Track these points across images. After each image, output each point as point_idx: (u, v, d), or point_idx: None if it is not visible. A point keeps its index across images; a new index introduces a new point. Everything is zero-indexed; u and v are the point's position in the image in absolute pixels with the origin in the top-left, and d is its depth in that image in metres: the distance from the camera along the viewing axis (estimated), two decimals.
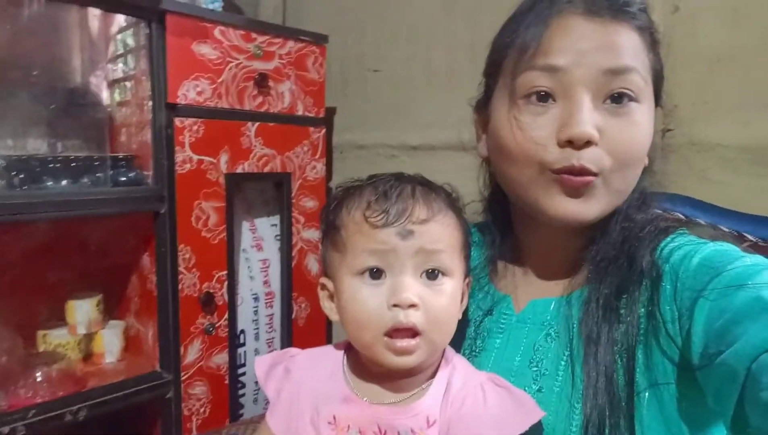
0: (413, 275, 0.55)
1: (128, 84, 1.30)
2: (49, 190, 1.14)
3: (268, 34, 1.41)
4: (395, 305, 0.54)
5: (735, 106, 1.07)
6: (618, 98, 0.56)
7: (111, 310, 1.44)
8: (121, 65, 1.30)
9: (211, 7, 1.31)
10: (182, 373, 1.31)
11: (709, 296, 0.51)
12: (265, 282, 1.55)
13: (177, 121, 1.24)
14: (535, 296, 0.66)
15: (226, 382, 1.41)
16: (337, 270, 0.59)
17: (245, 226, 1.53)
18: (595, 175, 0.56)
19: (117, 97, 1.33)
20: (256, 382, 1.58)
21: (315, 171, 1.58)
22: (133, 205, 1.23)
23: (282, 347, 1.57)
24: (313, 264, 1.61)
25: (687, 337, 0.53)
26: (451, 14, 1.55)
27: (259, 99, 1.41)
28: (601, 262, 0.61)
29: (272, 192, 1.58)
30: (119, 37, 1.30)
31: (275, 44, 1.43)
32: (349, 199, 0.59)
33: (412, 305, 0.54)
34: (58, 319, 1.35)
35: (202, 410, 1.36)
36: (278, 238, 1.57)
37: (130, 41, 1.28)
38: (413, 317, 0.54)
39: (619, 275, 0.60)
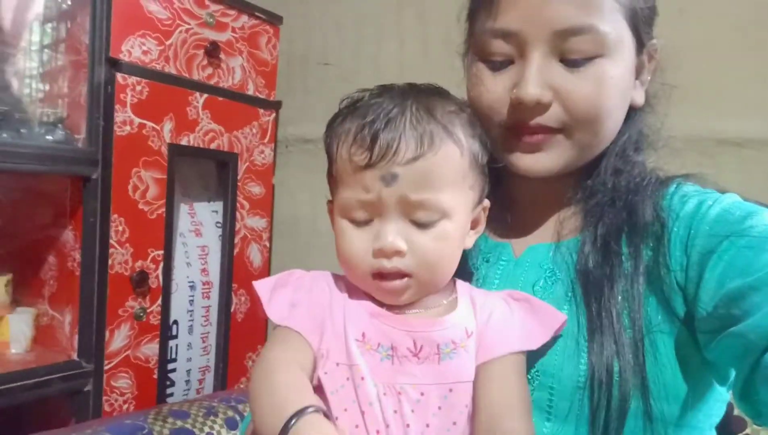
0: (400, 220, 0.52)
1: (62, 28, 1.18)
2: None
3: (222, 4, 1.34)
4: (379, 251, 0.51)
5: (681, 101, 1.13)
6: (577, 55, 0.54)
7: (20, 295, 1.27)
8: (54, 10, 1.17)
9: None
10: (105, 362, 1.16)
11: (727, 251, 0.50)
12: (203, 270, 1.42)
13: (119, 78, 1.13)
14: (532, 242, 0.64)
15: (155, 376, 1.27)
16: (333, 198, 0.56)
17: (183, 208, 1.41)
18: (556, 130, 0.56)
19: (45, 41, 1.19)
20: (187, 381, 1.43)
21: (263, 156, 1.50)
22: (62, 166, 1.09)
23: (218, 343, 1.44)
24: (255, 254, 1.51)
25: (695, 289, 0.52)
26: (402, 8, 1.56)
27: (209, 70, 1.32)
28: (594, 208, 0.60)
29: (214, 177, 1.48)
30: None
31: (229, 15, 1.36)
32: (342, 123, 0.54)
33: (397, 252, 0.51)
34: None
35: (125, 406, 1.20)
36: (219, 225, 1.47)
37: None
38: (398, 263, 0.51)
39: (616, 218, 0.58)
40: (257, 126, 1.46)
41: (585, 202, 0.61)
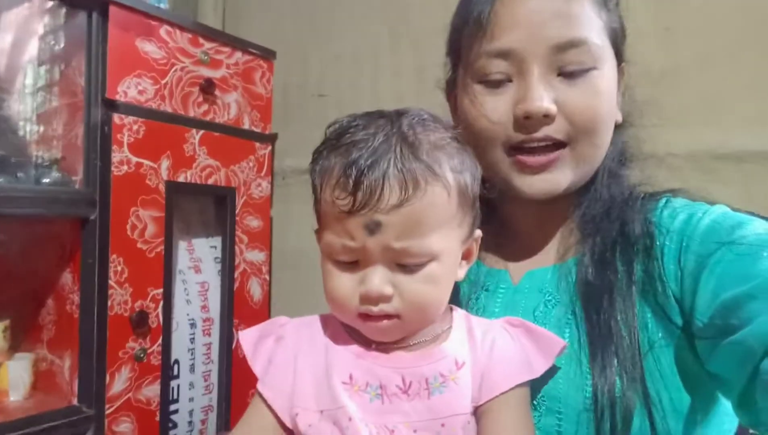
0: (386, 264, 0.51)
1: (56, 71, 1.18)
2: None
3: (216, 42, 1.36)
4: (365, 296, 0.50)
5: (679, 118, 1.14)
6: (574, 67, 0.57)
7: (18, 340, 1.25)
8: (47, 52, 1.18)
9: (156, 4, 1.25)
10: (107, 406, 1.14)
11: (720, 262, 0.50)
12: (203, 307, 1.41)
13: (116, 118, 1.13)
14: (530, 268, 0.64)
15: (157, 419, 1.24)
16: (319, 233, 0.55)
17: (182, 245, 1.40)
18: (562, 144, 0.57)
19: (39, 83, 1.19)
20: (190, 422, 1.40)
21: (260, 189, 1.49)
22: (61, 208, 1.09)
23: (220, 381, 1.42)
24: (256, 288, 1.50)
25: (691, 301, 0.52)
26: (398, 40, 1.58)
27: (204, 106, 1.33)
28: (591, 221, 0.60)
29: (212, 212, 1.47)
30: (47, 26, 1.19)
31: (223, 53, 1.37)
32: (326, 158, 0.53)
33: (383, 297, 0.50)
34: None
35: None
36: (218, 260, 1.46)
37: (61, 35, 1.18)
38: (385, 307, 0.51)
39: (611, 233, 0.59)
40: (254, 160, 1.47)
41: (581, 219, 0.61)
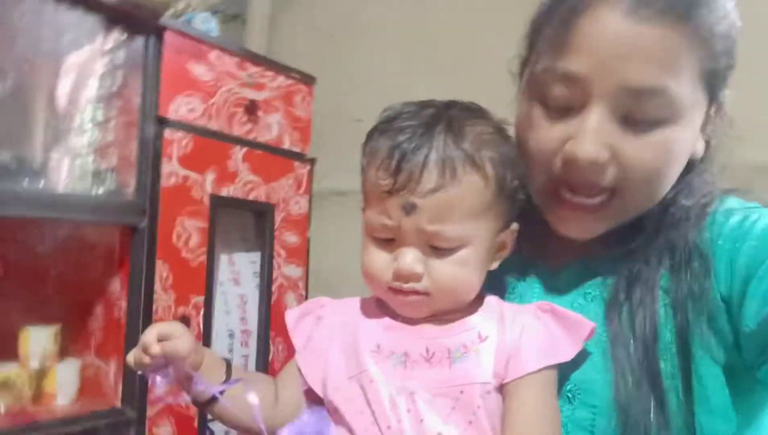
0: (419, 247, 0.54)
1: (114, 87, 1.28)
2: (23, 188, 1.06)
3: (261, 66, 1.44)
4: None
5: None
6: (644, 119, 0.50)
7: (67, 345, 1.30)
8: (107, 81, 1.28)
9: (207, 30, 1.34)
10: (148, 409, 1.17)
11: None
12: (242, 319, 1.45)
13: (167, 133, 1.21)
14: (569, 259, 0.63)
15: (195, 424, 1.26)
16: (363, 212, 0.58)
17: (223, 259, 1.46)
18: (607, 190, 0.53)
19: (100, 112, 1.29)
20: (227, 432, 1.42)
21: (299, 206, 1.55)
22: (113, 216, 1.16)
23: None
24: (292, 303, 1.53)
25: (739, 306, 0.51)
26: (431, 65, 1.64)
27: (248, 126, 1.41)
28: (638, 241, 0.58)
29: (252, 228, 1.53)
30: (107, 51, 1.29)
31: (266, 76, 1.46)
32: (375, 140, 0.57)
33: (414, 275, 0.53)
34: (10, 349, 1.21)
35: None
36: (257, 274, 1.50)
37: (121, 56, 1.27)
38: (415, 285, 0.54)
39: (660, 235, 0.57)
40: (293, 178, 1.52)
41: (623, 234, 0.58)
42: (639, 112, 0.50)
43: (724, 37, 0.51)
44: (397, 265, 0.54)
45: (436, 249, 0.53)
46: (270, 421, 0.53)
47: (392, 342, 0.55)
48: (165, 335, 0.56)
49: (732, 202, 0.58)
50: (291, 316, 0.63)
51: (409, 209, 0.52)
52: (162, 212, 1.20)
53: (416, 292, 0.54)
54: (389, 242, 0.55)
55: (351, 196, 1.77)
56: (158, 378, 0.56)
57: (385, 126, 0.56)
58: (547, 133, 0.54)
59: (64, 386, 1.24)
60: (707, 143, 0.58)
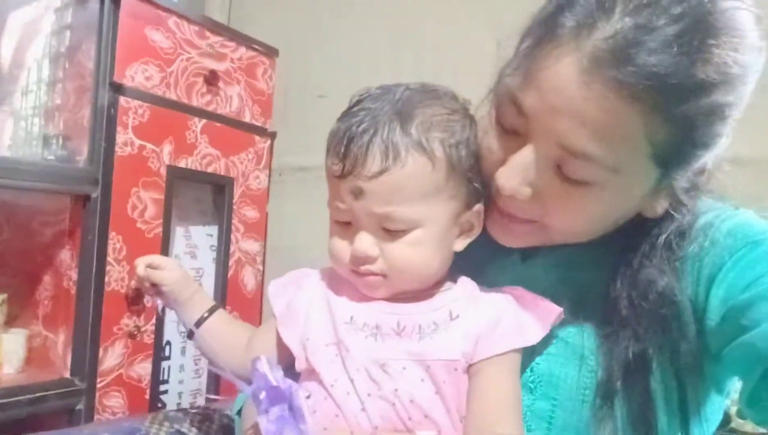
0: (372, 230, 0.55)
1: (64, 55, 1.23)
2: None
3: (222, 36, 1.41)
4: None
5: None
6: (570, 177, 0.49)
7: (14, 315, 1.27)
8: (56, 41, 1.23)
9: None
10: (98, 380, 1.16)
11: (736, 264, 0.50)
12: None
13: (122, 101, 1.18)
14: (542, 247, 0.62)
15: (147, 396, 1.26)
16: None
17: (179, 231, 1.43)
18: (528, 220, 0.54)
19: (46, 72, 1.24)
20: (178, 403, 1.42)
21: (258, 181, 1.54)
22: (65, 184, 1.12)
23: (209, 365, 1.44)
24: (249, 277, 1.53)
25: (705, 302, 0.52)
26: (398, 45, 1.63)
27: (208, 97, 1.38)
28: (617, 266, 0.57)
29: (209, 201, 1.51)
30: (58, 11, 1.23)
31: (228, 47, 1.43)
32: (336, 124, 0.57)
33: (368, 258, 0.55)
34: None
35: None
36: (213, 248, 1.49)
37: (71, 16, 1.22)
38: (371, 267, 0.55)
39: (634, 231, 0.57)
40: (253, 152, 1.51)
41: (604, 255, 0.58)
42: (568, 169, 0.49)
43: (698, 124, 0.47)
44: (353, 249, 0.55)
45: (389, 231, 0.54)
46: (243, 362, 0.59)
47: (365, 314, 0.56)
48: (156, 265, 0.68)
49: (702, 204, 0.57)
50: (274, 284, 0.65)
51: (357, 193, 0.53)
52: (116, 182, 1.17)
53: (373, 274, 0.56)
54: (348, 226, 0.56)
55: (312, 172, 1.78)
56: (157, 300, 0.70)
57: (347, 110, 0.57)
58: (493, 144, 0.55)
59: (9, 356, 1.21)
60: (676, 202, 0.55)
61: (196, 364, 1.43)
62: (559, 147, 0.48)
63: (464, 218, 0.58)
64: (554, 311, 0.56)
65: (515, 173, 0.51)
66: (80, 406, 1.14)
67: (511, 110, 0.51)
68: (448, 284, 0.60)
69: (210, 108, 1.39)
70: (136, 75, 1.21)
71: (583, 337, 0.56)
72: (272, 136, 1.59)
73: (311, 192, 1.63)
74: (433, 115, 0.55)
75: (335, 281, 0.61)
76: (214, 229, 1.49)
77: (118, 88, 1.18)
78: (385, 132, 0.52)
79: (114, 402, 1.20)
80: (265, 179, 1.55)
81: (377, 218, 0.54)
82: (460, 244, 0.59)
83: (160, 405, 1.33)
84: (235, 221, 1.48)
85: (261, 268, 1.57)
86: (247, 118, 1.49)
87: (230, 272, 1.47)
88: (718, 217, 0.55)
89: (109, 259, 1.17)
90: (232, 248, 1.47)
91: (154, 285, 0.69)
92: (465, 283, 0.60)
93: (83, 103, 1.18)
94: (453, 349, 0.54)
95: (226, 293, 1.46)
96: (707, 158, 0.50)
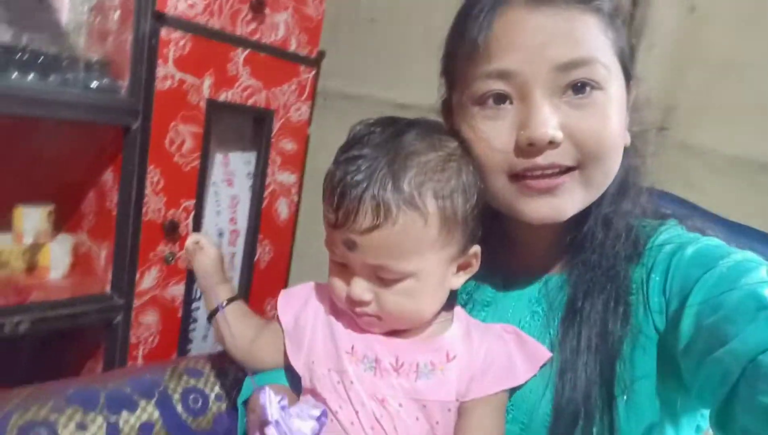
0: (366, 277, 0.56)
1: None
2: (13, 83, 1.03)
3: None
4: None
5: (735, 114, 1.08)
6: (580, 88, 0.54)
7: (61, 223, 1.35)
8: None
9: None
10: (135, 300, 1.25)
11: (701, 289, 0.51)
12: (232, 219, 1.49)
13: (163, 33, 1.14)
14: (520, 277, 0.65)
15: (179, 315, 1.36)
16: None
17: (218, 158, 1.45)
18: (570, 169, 0.55)
19: None
20: (208, 319, 1.53)
21: (299, 113, 1.51)
22: (105, 115, 1.13)
23: (240, 288, 1.53)
24: (283, 208, 1.56)
25: (674, 329, 0.53)
26: None
27: (252, 25, 1.32)
28: (583, 245, 0.60)
29: (250, 128, 1.50)
30: None
31: None
32: (332, 166, 0.57)
33: (362, 303, 0.56)
34: (3, 225, 1.26)
35: (150, 339, 1.31)
36: (250, 176, 1.51)
37: None
38: (366, 309, 0.57)
39: (601, 260, 0.59)
40: (296, 83, 1.47)
41: (573, 240, 0.61)
42: (573, 84, 0.53)
43: (622, 21, 0.57)
44: (348, 292, 0.57)
45: (382, 279, 0.55)
46: (245, 357, 0.69)
47: (365, 346, 0.58)
48: (201, 245, 0.73)
49: (668, 234, 0.60)
50: (283, 295, 0.68)
51: (350, 245, 0.54)
52: (155, 115, 1.18)
53: (368, 315, 0.57)
54: (345, 267, 0.57)
55: (355, 102, 1.73)
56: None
57: (343, 151, 0.56)
58: (495, 130, 0.55)
59: (56, 261, 1.31)
60: (630, 134, 0.60)
61: None
62: (555, 72, 0.53)
63: (461, 260, 0.59)
64: (545, 355, 0.58)
65: (543, 118, 0.53)
66: (118, 320, 1.25)
67: (496, 83, 0.54)
68: (443, 315, 0.61)
69: (254, 37, 1.33)
70: (179, 3, 1.16)
71: (551, 366, 0.58)
72: (318, 63, 1.53)
73: (352, 121, 1.60)
74: (427, 164, 0.54)
75: (337, 303, 0.62)
76: (252, 156, 1.50)
77: (160, 18, 1.14)
78: (377, 187, 0.52)
79: (149, 319, 1.30)
80: (306, 111, 1.52)
81: (371, 268, 0.55)
82: (457, 282, 0.60)
83: (191, 321, 1.43)
84: (272, 153, 1.48)
85: (295, 199, 1.59)
86: (292, 48, 1.43)
87: (264, 202, 1.50)
88: (682, 246, 0.56)
89: (147, 190, 1.21)
90: (267, 180, 1.48)
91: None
92: (460, 317, 0.61)
93: (127, 27, 1.15)
94: (448, 392, 0.56)
95: (259, 221, 1.50)
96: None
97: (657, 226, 0.61)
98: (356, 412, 0.57)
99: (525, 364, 0.58)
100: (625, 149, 0.59)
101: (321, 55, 1.72)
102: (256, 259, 1.52)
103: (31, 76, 1.04)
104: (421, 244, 0.54)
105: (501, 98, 0.55)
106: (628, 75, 0.58)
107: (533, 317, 0.63)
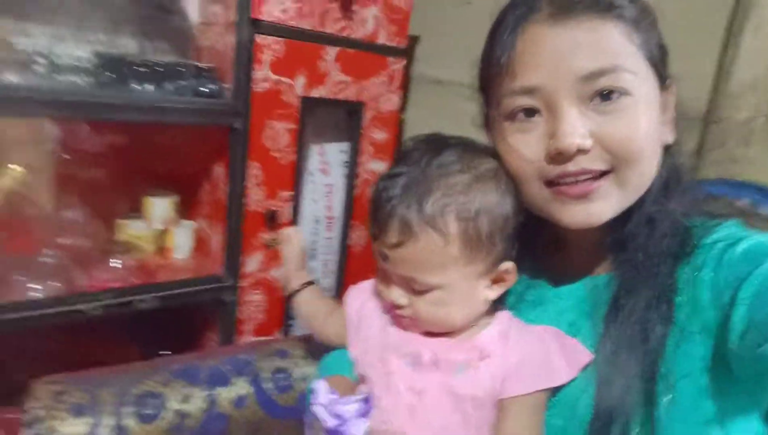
0: (400, 284, 0.61)
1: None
2: (134, 93, 1.19)
3: None
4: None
5: None
6: (606, 95, 0.55)
7: (183, 211, 1.54)
8: None
9: None
10: (242, 281, 1.40)
11: (753, 283, 0.50)
12: (328, 206, 1.59)
13: (258, 39, 1.24)
14: (570, 274, 0.67)
15: (282, 295, 1.49)
16: None
17: (314, 149, 1.55)
18: (604, 173, 0.56)
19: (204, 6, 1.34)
20: (287, 299, 1.66)
21: (389, 103, 1.56)
22: (211, 118, 1.27)
23: (338, 269, 1.64)
24: None
25: (725, 324, 0.52)
26: None
27: (342, 23, 1.38)
28: (628, 263, 0.60)
29: (344, 118, 1.58)
30: None
31: None
32: (379, 179, 0.63)
33: (400, 307, 0.61)
34: (136, 213, 1.46)
35: (256, 316, 1.46)
36: (346, 164, 1.59)
37: None
38: (403, 312, 0.62)
39: (647, 266, 0.59)
40: (385, 75, 1.51)
41: (618, 253, 0.61)
42: (599, 93, 0.54)
43: (650, 22, 0.57)
44: (387, 296, 0.64)
45: (413, 289, 0.61)
46: (320, 328, 0.80)
47: (408, 343, 0.64)
48: (289, 237, 0.85)
49: (721, 232, 0.58)
50: (351, 290, 0.76)
51: (384, 257, 0.60)
52: (254, 115, 1.29)
53: (406, 317, 0.63)
54: (386, 271, 0.63)
55: (448, 87, 1.73)
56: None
57: (390, 166, 0.62)
58: (526, 142, 0.58)
59: (180, 243, 1.50)
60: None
61: (325, 267, 1.63)
62: (581, 82, 0.54)
63: (492, 275, 0.62)
64: (586, 357, 0.60)
65: (570, 127, 0.54)
66: (230, 298, 1.41)
67: (522, 98, 0.57)
68: (484, 319, 0.64)
69: (344, 34, 1.39)
70: (273, 9, 1.25)
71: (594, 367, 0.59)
72: (407, 53, 1.56)
73: (446, 105, 1.61)
74: (455, 186, 0.58)
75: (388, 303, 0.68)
76: (346, 146, 1.58)
77: (255, 24, 1.24)
78: (404, 206, 0.57)
79: (255, 298, 1.45)
80: (396, 100, 1.57)
81: (403, 278, 0.60)
82: (492, 294, 0.63)
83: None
84: (364, 144, 1.54)
85: None
86: (381, 40, 1.47)
87: (357, 191, 1.58)
88: (732, 244, 0.55)
89: (249, 183, 1.33)
90: (359, 169, 1.56)
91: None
92: (502, 320, 0.64)
93: (227, 34, 1.26)
94: (480, 388, 0.60)
95: (352, 208, 1.59)
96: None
97: (712, 226, 0.60)
98: (396, 403, 0.63)
99: (565, 365, 0.60)
100: (669, 147, 0.60)
101: (413, 40, 1.75)
102: (350, 243, 1.61)
103: (149, 86, 1.19)
104: (443, 262, 0.58)
105: (530, 112, 0.58)
106: (661, 75, 0.59)
107: (582, 316, 0.64)
